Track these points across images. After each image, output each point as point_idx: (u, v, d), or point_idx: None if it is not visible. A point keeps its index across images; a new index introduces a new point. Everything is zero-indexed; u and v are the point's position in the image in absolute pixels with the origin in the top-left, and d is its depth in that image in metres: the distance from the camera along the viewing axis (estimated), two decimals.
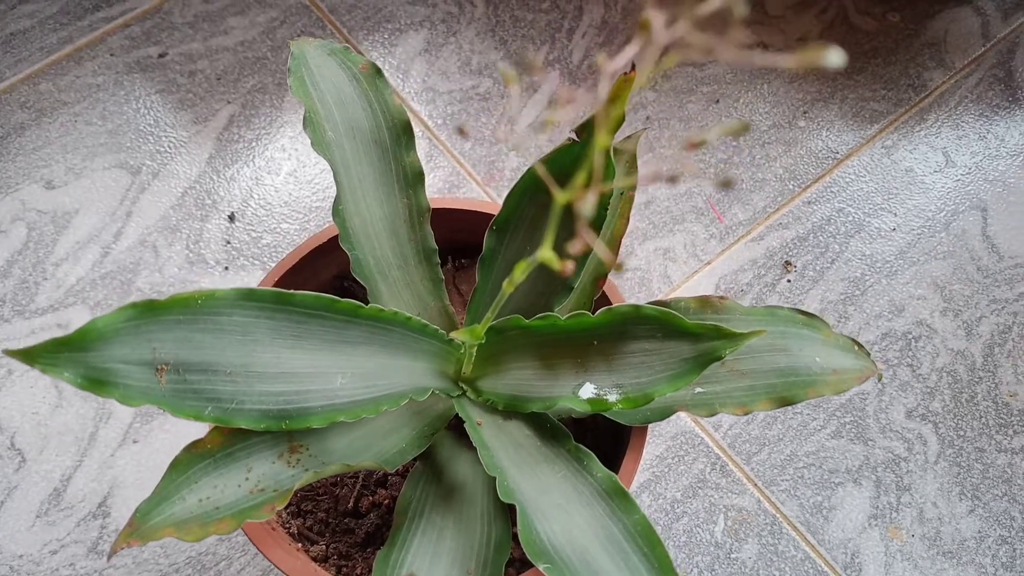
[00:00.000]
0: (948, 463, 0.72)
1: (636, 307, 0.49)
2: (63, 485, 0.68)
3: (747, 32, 0.86)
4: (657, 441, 0.71)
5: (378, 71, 0.51)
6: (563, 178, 0.44)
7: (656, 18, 0.20)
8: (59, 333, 0.73)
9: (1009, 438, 0.73)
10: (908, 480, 0.71)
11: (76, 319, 0.73)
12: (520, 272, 0.34)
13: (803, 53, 0.18)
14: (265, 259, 0.75)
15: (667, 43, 0.20)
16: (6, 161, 0.78)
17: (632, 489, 0.70)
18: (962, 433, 0.73)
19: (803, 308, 0.76)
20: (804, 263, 0.78)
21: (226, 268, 0.75)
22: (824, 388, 0.50)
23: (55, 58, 0.82)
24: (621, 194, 0.52)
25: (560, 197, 0.25)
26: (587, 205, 0.21)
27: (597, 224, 0.47)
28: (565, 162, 0.46)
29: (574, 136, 0.46)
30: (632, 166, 0.51)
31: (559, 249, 0.49)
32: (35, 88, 0.80)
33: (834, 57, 0.18)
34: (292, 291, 0.44)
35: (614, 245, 0.52)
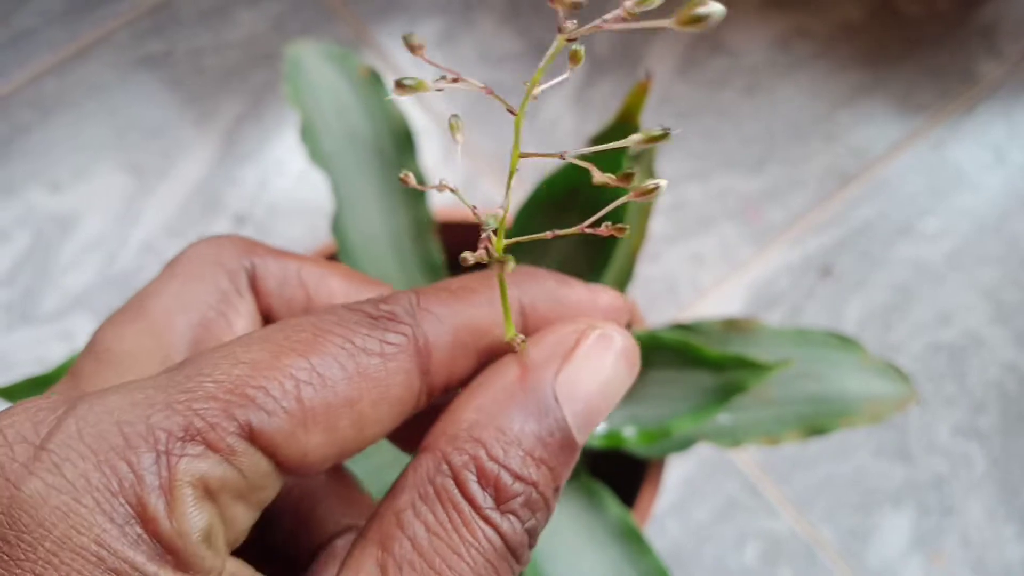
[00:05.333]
0: (995, 484, 0.68)
1: (652, 334, 0.45)
2: None
3: (783, 17, 0.81)
4: (685, 461, 0.67)
5: (377, 77, 0.48)
6: (566, 201, 0.41)
7: None
8: (64, 342, 0.71)
9: None
10: (951, 502, 0.67)
11: (81, 327, 0.71)
12: None
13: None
14: None
15: None
16: (11, 163, 0.76)
17: (653, 518, 0.67)
18: (1010, 452, 0.68)
19: (843, 317, 0.72)
20: (844, 269, 0.73)
21: None
22: (859, 418, 0.47)
23: (62, 56, 0.79)
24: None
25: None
26: None
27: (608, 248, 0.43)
28: (571, 182, 0.42)
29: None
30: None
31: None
32: (41, 87, 0.78)
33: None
34: None
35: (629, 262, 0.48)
